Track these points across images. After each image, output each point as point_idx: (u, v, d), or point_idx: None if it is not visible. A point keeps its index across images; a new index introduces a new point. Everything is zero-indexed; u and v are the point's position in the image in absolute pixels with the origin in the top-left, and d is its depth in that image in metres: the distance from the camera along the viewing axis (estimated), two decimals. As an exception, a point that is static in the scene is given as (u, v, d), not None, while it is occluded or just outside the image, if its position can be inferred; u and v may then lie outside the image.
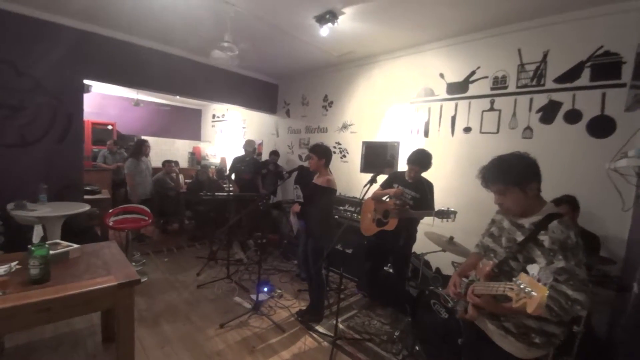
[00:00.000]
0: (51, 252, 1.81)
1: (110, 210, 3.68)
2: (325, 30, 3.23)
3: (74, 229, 3.42)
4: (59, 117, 3.77)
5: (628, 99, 2.01)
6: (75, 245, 2.08)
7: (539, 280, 1.04)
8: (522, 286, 1.06)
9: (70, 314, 1.77)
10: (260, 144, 6.53)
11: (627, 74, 2.41)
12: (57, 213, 3.06)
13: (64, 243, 2.10)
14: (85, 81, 4.06)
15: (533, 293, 1.02)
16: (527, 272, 1.13)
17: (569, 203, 2.19)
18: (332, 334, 2.62)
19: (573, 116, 2.73)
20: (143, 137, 6.07)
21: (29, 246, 1.66)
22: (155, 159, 5.96)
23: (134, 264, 3.61)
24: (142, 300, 3.04)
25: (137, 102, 7.21)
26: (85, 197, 4.06)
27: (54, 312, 1.61)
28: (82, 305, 1.69)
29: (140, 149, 4.85)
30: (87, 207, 3.38)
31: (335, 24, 3.14)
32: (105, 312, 2.36)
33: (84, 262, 1.99)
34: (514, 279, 1.12)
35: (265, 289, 3.37)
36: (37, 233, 1.72)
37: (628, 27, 2.41)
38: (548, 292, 1.01)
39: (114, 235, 4.44)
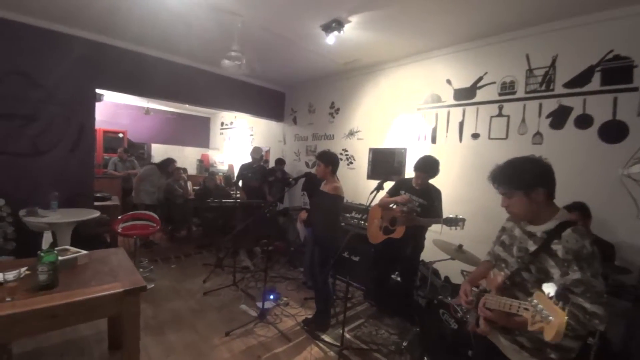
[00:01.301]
0: (60, 258, 1.83)
1: (120, 217, 3.73)
2: (331, 39, 3.25)
3: (83, 236, 3.47)
4: (71, 126, 3.86)
5: (641, 104, 1.97)
6: (84, 252, 2.10)
7: (556, 303, 0.95)
8: (538, 308, 0.98)
9: (77, 320, 1.77)
10: (268, 151, 6.57)
11: (639, 78, 2.37)
12: (67, 219, 3.11)
13: (73, 249, 2.13)
14: (97, 90, 4.17)
15: (550, 318, 0.93)
16: (542, 284, 1.06)
17: (579, 210, 2.12)
18: (338, 344, 2.58)
19: (584, 121, 2.68)
20: (175, 161, 5.49)
21: (39, 252, 1.69)
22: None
23: (141, 270, 3.63)
24: (148, 307, 3.05)
25: (148, 111, 7.36)
26: (96, 203, 4.12)
27: (61, 319, 1.62)
28: (88, 311, 1.70)
29: (166, 165, 5.04)
30: (96, 214, 3.43)
31: (342, 32, 3.16)
32: (112, 319, 2.36)
33: (91, 269, 2.01)
34: (529, 298, 1.05)
35: (272, 297, 3.35)
36: (47, 239, 1.74)
37: (639, 31, 2.37)
38: (567, 317, 0.92)
39: (122, 241, 4.49)
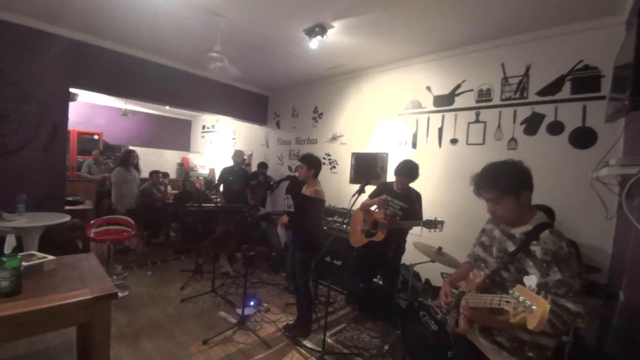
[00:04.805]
0: (24, 263, 1.72)
1: (92, 222, 3.57)
2: (314, 43, 3.26)
3: (54, 241, 3.29)
4: (44, 125, 3.68)
5: (607, 111, 2.07)
6: (51, 257, 1.99)
7: (538, 293, 0.97)
8: (520, 299, 0.99)
9: (43, 328, 1.66)
10: (250, 155, 6.50)
11: (606, 87, 2.50)
12: (34, 224, 2.94)
13: (39, 254, 2.00)
14: (72, 89, 4.01)
15: (534, 307, 0.95)
16: (521, 283, 1.07)
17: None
18: (320, 349, 2.55)
19: (555, 128, 2.80)
20: (130, 148, 5.99)
21: (0, 257, 1.58)
22: (143, 169, 5.85)
23: (114, 277, 3.48)
24: (122, 315, 2.92)
25: (125, 112, 7.13)
26: (67, 207, 3.93)
27: (25, 327, 1.51)
28: (55, 319, 1.59)
29: (127, 159, 4.78)
30: (67, 218, 3.27)
31: (325, 37, 3.18)
32: (81, 328, 2.23)
33: (59, 275, 1.89)
34: (510, 291, 1.06)
35: (252, 303, 3.28)
36: (9, 243, 1.63)
37: (606, 42, 2.50)
38: (549, 305, 0.94)
39: (95, 247, 4.30)
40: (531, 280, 1.05)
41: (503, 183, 1.28)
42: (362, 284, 3.17)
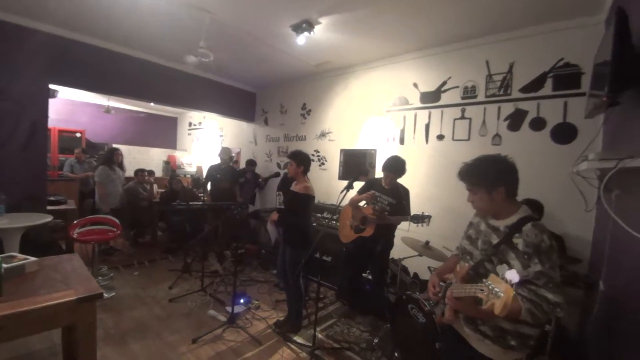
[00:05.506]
0: (4, 265, 1.67)
1: (75, 222, 3.48)
2: (301, 39, 3.25)
3: (35, 243, 3.20)
4: (22, 124, 3.55)
5: (587, 107, 2.13)
6: (32, 258, 1.93)
7: (506, 281, 1.04)
8: (490, 287, 1.06)
9: (26, 332, 1.61)
10: (239, 153, 6.44)
11: (586, 84, 2.58)
12: (15, 224, 2.85)
13: (20, 256, 1.94)
14: (52, 86, 3.88)
15: (500, 294, 1.01)
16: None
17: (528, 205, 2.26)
18: (310, 344, 2.56)
19: (538, 123, 2.88)
20: (114, 146, 5.85)
21: (-22, 260, 1.53)
22: (128, 168, 5.73)
23: (100, 278, 3.41)
24: (109, 317, 2.87)
25: (108, 109, 6.95)
26: (49, 207, 3.82)
27: (7, 331, 1.46)
28: (38, 322, 1.55)
29: (111, 157, 4.67)
30: (49, 218, 3.17)
31: (312, 33, 3.17)
32: (66, 331, 2.18)
33: (41, 277, 1.84)
34: (484, 280, 1.11)
35: (242, 301, 3.27)
36: (-12, 245, 1.58)
37: (586, 41, 2.57)
38: (514, 292, 1.00)
39: (79, 248, 4.20)
40: (503, 269, 1.12)
41: (476, 177, 1.35)
42: (362, 283, 3.21)
